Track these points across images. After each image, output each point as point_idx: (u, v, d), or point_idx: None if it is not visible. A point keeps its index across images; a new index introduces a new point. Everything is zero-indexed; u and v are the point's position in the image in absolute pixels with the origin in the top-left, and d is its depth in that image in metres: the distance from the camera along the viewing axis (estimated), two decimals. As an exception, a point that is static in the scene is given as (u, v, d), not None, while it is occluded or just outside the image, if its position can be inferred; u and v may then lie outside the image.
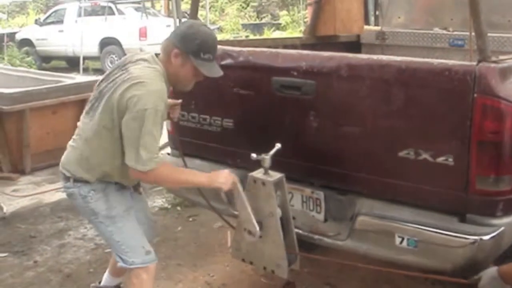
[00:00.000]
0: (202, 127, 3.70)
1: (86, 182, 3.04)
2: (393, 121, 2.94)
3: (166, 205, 5.60)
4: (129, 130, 2.83)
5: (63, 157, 3.14)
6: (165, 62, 2.99)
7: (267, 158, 3.09)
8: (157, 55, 3.05)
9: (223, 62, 3.42)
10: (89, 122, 3.00)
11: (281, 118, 3.35)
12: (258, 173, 3.14)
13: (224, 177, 3.03)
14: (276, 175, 3.13)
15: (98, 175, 3.04)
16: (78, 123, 3.13)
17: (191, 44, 2.91)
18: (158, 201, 5.72)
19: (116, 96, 2.86)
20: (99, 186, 3.07)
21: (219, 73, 3.02)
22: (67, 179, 3.09)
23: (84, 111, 3.08)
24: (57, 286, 4.15)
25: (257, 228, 3.06)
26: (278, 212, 3.14)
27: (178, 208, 5.51)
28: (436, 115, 2.80)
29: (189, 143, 3.76)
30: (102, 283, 3.68)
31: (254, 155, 3.08)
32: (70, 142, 3.15)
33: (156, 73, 2.93)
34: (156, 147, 2.88)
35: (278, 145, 3.13)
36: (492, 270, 2.40)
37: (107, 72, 3.09)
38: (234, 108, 3.56)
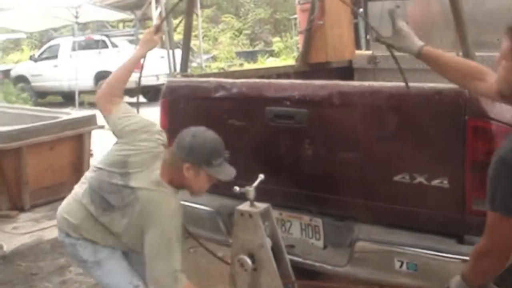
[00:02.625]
0: (198, 159, 3.70)
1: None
2: (387, 146, 2.97)
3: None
4: (154, 251, 2.90)
5: (62, 211, 3.15)
6: (178, 177, 2.97)
7: (251, 190, 3.08)
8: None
9: (217, 94, 3.46)
10: (101, 217, 3.02)
11: (276, 148, 3.38)
12: (244, 206, 3.13)
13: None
14: (262, 206, 3.11)
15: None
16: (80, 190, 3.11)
17: (202, 155, 2.91)
18: (158, 233, 5.70)
19: (135, 229, 2.94)
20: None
21: (233, 172, 3.02)
22: (61, 231, 3.13)
23: (90, 199, 3.04)
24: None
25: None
26: (269, 242, 3.12)
27: (179, 239, 5.49)
28: (429, 138, 2.83)
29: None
30: None
31: (237, 188, 3.07)
32: (73, 201, 3.12)
33: (167, 196, 2.96)
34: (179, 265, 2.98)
35: (261, 176, 3.12)
36: (456, 276, 2.47)
37: (112, 167, 3.05)
38: (230, 139, 3.56)
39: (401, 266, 2.96)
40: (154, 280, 2.93)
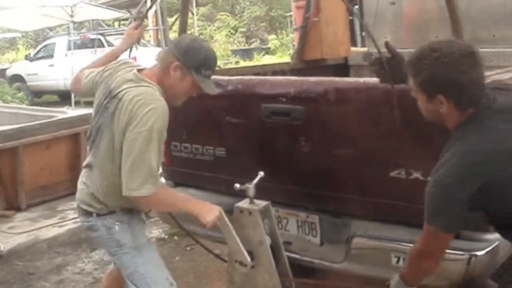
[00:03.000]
0: (195, 156, 3.73)
1: (110, 213, 2.98)
2: (383, 142, 2.97)
3: (163, 235, 5.60)
4: (132, 151, 2.74)
5: (78, 194, 3.07)
6: (162, 73, 2.90)
7: (251, 187, 3.09)
8: (139, 70, 2.96)
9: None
10: (95, 159, 2.95)
11: (272, 144, 3.38)
12: (244, 203, 3.14)
13: (208, 215, 2.91)
14: (261, 203, 3.11)
15: (120, 204, 2.97)
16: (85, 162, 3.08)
17: (195, 59, 2.84)
18: (155, 232, 5.71)
19: (114, 124, 2.81)
20: (124, 218, 3.01)
21: (216, 90, 2.98)
22: (88, 214, 3.00)
23: (88, 148, 3.06)
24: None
25: (248, 259, 3.04)
26: (268, 239, 3.13)
27: (175, 237, 5.51)
28: (425, 134, 2.83)
29: (183, 173, 3.80)
30: None
31: (237, 185, 3.08)
32: (82, 180, 3.07)
33: (152, 90, 2.84)
34: (158, 168, 2.84)
35: (261, 173, 3.13)
36: (396, 276, 2.56)
37: (97, 103, 3.00)
38: (226, 137, 3.59)
39: (398, 261, 2.97)
40: (127, 185, 2.76)
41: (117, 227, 2.99)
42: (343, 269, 3.24)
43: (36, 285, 4.74)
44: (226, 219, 3.00)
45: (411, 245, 2.90)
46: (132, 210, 3.03)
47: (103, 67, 3.10)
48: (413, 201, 2.92)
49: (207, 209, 2.95)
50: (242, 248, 3.04)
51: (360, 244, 3.13)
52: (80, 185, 3.08)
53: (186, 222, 3.85)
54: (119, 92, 2.84)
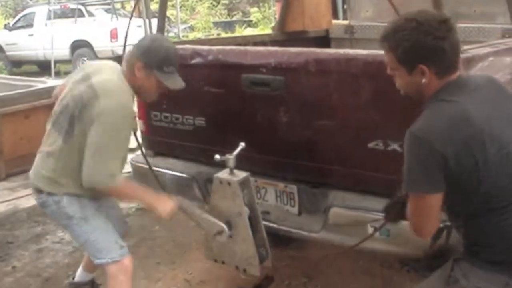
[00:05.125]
0: (175, 126, 3.74)
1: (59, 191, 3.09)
2: (362, 114, 2.99)
3: (142, 205, 5.61)
4: (97, 144, 2.90)
5: (32, 170, 3.17)
6: (129, 75, 3.06)
7: (231, 158, 3.12)
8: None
9: (193, 61, 3.46)
10: (59, 141, 3.02)
11: (252, 115, 3.40)
12: (223, 174, 3.17)
13: (163, 207, 3.08)
14: (241, 175, 3.14)
15: (70, 189, 3.08)
16: (45, 136, 3.15)
17: (154, 57, 3.00)
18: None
19: (87, 117, 2.91)
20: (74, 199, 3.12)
21: (182, 84, 3.09)
22: (39, 191, 3.13)
23: (51, 124, 3.11)
24: (37, 290, 4.15)
25: (224, 226, 3.10)
26: (246, 210, 3.16)
27: (155, 208, 5.52)
28: (403, 106, 2.85)
29: (163, 142, 3.81)
30: (76, 279, 3.71)
31: (217, 157, 3.11)
32: (40, 154, 3.16)
33: (121, 84, 3.02)
34: (121, 164, 3.03)
35: (242, 144, 3.16)
36: None
37: (69, 82, 3.12)
38: (206, 107, 3.59)
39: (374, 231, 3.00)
40: (88, 175, 2.93)
41: (64, 200, 3.09)
42: (321, 238, 3.28)
43: (15, 253, 4.74)
44: (187, 205, 3.16)
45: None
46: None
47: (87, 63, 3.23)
48: (391, 172, 2.96)
49: (163, 201, 3.10)
50: (214, 220, 3.12)
51: (338, 214, 3.16)
52: (35, 167, 3.16)
53: (160, 189, 3.89)
54: (98, 87, 2.96)
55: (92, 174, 2.92)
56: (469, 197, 2.10)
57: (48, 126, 3.12)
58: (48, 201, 3.11)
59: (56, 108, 3.11)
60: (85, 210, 3.13)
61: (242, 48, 3.59)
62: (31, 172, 3.18)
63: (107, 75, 3.05)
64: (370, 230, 3.01)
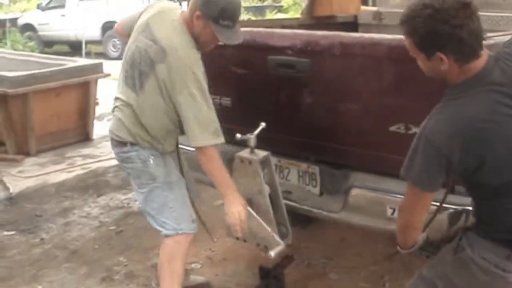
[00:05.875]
0: (201, 106, 3.78)
1: (144, 147, 3.14)
2: (385, 97, 3.03)
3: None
4: (188, 107, 2.96)
5: (112, 125, 3.24)
6: (189, 21, 3.03)
7: (252, 137, 3.18)
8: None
9: (220, 42, 3.51)
10: (133, 96, 3.09)
11: (277, 96, 3.45)
12: (244, 153, 3.23)
13: (234, 205, 3.05)
14: (262, 154, 3.21)
15: (153, 141, 3.15)
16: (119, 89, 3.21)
17: (212, 9, 2.94)
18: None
19: (159, 74, 2.97)
20: (157, 152, 3.18)
21: (238, 40, 3.06)
22: (123, 144, 3.17)
23: (123, 80, 3.15)
24: (64, 261, 4.28)
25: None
26: (267, 189, 3.23)
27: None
28: (426, 90, 2.89)
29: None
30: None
31: (238, 135, 3.17)
32: (116, 112, 3.21)
33: (184, 38, 3.01)
34: (216, 118, 3.03)
35: (262, 124, 3.22)
36: None
37: (134, 40, 3.13)
38: (232, 87, 3.65)
39: (393, 213, 3.06)
40: (194, 138, 2.99)
41: (151, 161, 3.15)
42: (341, 218, 3.34)
43: (43, 226, 4.88)
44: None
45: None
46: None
47: (147, 6, 3.25)
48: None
49: (236, 200, 3.06)
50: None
51: (358, 195, 3.23)
52: (115, 120, 3.22)
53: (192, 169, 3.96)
54: (164, 44, 2.98)
55: (197, 136, 2.98)
56: (476, 187, 2.20)
57: (121, 81, 3.18)
58: (133, 157, 3.15)
59: (124, 61, 3.15)
60: (171, 175, 3.20)
61: (268, 30, 3.64)
62: (111, 126, 3.26)
63: (169, 29, 3.04)
64: (389, 211, 3.07)
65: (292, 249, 3.67)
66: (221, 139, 3.01)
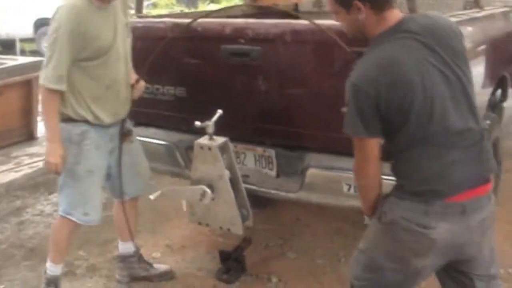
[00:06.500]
0: (155, 96, 3.86)
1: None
2: (335, 81, 3.13)
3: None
4: (47, 49, 3.09)
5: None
6: None
7: (210, 124, 3.27)
8: None
9: (173, 34, 3.58)
10: None
11: (232, 84, 3.55)
12: (203, 140, 3.32)
13: (51, 155, 3.15)
14: (220, 140, 3.31)
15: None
16: None
17: None
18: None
19: None
20: (77, 138, 3.24)
21: None
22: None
23: None
24: (22, 260, 4.26)
25: (205, 188, 3.29)
26: (227, 173, 3.33)
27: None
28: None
29: (144, 113, 3.92)
30: (120, 252, 3.86)
31: (198, 123, 3.25)
32: None
33: None
34: (63, 68, 3.07)
35: (219, 111, 3.31)
36: None
37: None
38: (186, 77, 3.72)
39: (349, 189, 3.22)
40: (47, 64, 3.08)
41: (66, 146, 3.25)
42: (299, 198, 3.48)
43: (-3, 227, 4.83)
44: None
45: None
46: None
47: None
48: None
49: (54, 151, 3.16)
50: (194, 186, 3.33)
51: (314, 174, 3.36)
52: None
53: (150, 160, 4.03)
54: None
55: (42, 74, 3.11)
56: (396, 135, 2.28)
57: None
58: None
59: None
60: (79, 165, 3.26)
61: (221, 20, 3.71)
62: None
63: None
64: (345, 188, 3.22)
65: (249, 232, 3.79)
66: (61, 87, 3.09)
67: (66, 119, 3.21)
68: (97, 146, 3.31)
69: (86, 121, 3.24)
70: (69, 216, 3.35)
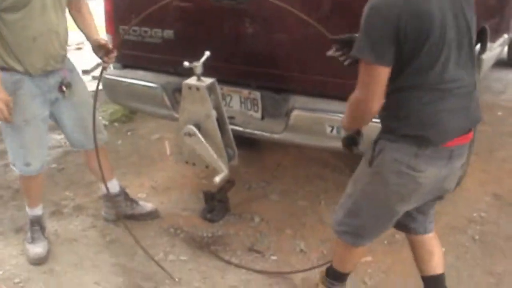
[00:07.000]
0: (143, 39, 3.90)
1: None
2: (321, 24, 3.22)
3: (103, 121, 5.73)
4: None
5: None
6: None
7: (198, 65, 3.32)
8: None
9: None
10: None
11: (219, 26, 3.60)
12: (191, 80, 3.38)
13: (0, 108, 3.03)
14: (208, 80, 3.37)
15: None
16: None
17: None
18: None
19: None
20: (11, 87, 3.16)
21: None
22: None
23: None
24: (10, 200, 4.35)
25: (192, 127, 3.36)
26: (214, 113, 3.42)
27: (116, 124, 5.75)
28: (359, 17, 3.11)
29: (132, 55, 3.99)
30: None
31: (186, 63, 3.29)
32: None
33: None
34: None
35: (207, 53, 3.36)
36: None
37: None
38: (174, 19, 3.76)
39: (331, 131, 3.32)
40: None
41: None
42: (283, 139, 3.58)
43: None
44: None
45: (343, 115, 3.24)
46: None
47: None
48: (346, 77, 3.22)
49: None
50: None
51: (298, 116, 3.45)
52: None
53: (130, 100, 4.09)
54: None
55: None
56: (401, 69, 2.24)
57: None
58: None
59: None
60: (15, 116, 3.17)
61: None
62: None
63: None
64: (328, 129, 3.33)
65: (232, 174, 3.89)
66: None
67: (1, 67, 3.14)
68: (32, 95, 3.24)
69: (19, 71, 3.18)
70: (13, 167, 3.45)
